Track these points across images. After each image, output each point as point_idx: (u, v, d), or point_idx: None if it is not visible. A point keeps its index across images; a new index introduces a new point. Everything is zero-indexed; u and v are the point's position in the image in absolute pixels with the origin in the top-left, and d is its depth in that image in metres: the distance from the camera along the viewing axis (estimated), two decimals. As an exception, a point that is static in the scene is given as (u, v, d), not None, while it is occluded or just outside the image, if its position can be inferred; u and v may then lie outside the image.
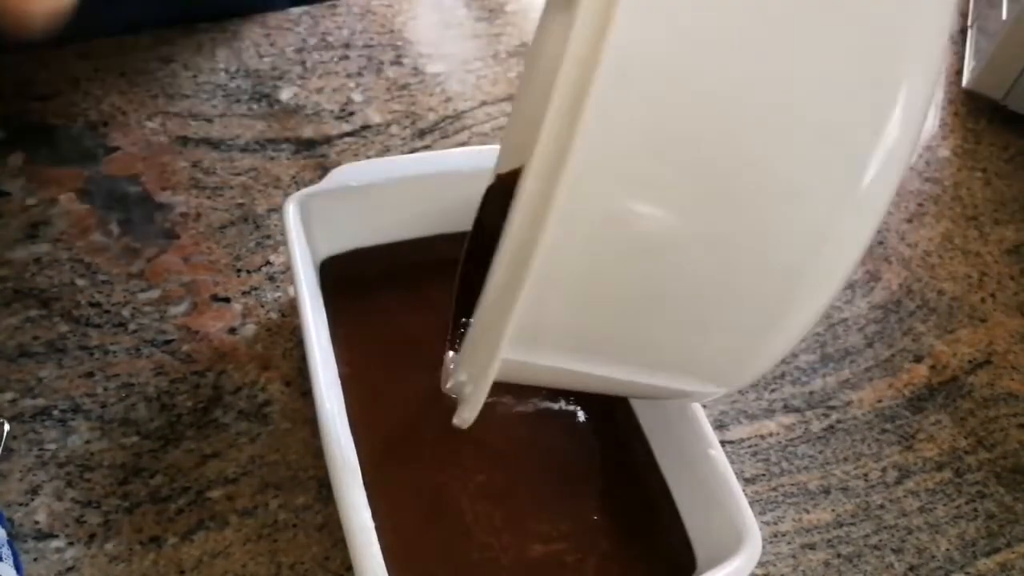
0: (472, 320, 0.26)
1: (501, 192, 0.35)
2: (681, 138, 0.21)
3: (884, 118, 0.21)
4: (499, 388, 0.26)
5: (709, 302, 0.23)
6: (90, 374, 0.41)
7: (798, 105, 0.21)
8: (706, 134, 0.21)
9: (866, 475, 0.43)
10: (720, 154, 0.21)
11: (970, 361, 0.49)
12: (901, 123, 0.21)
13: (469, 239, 0.35)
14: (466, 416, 0.26)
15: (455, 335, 0.34)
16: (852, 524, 0.41)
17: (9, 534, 0.34)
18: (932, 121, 0.64)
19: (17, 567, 0.33)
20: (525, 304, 0.22)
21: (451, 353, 0.33)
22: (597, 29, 0.19)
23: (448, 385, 0.29)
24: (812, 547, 0.40)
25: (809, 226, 0.22)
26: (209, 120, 0.53)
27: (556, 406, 0.40)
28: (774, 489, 0.42)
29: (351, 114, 0.55)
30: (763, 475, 0.42)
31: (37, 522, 0.36)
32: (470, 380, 0.25)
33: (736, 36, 0.21)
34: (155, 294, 0.44)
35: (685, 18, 0.20)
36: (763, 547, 0.33)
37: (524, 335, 0.23)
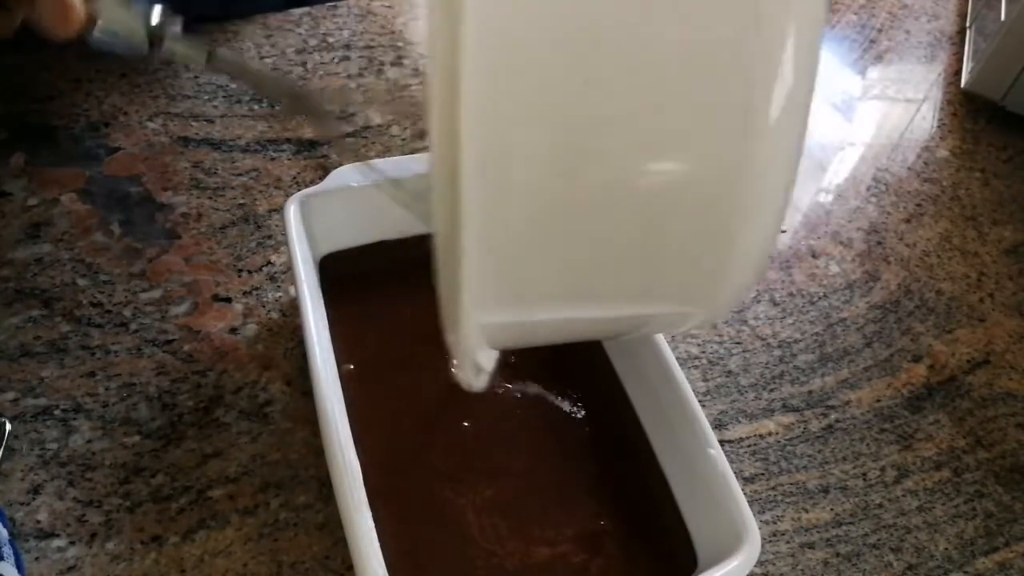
0: (439, 284, 0.26)
1: None
2: (579, 71, 0.22)
3: (766, 47, 0.22)
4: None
5: (655, 226, 0.24)
6: (91, 374, 0.41)
7: (686, 42, 0.22)
8: (597, 68, 0.22)
9: (865, 474, 0.43)
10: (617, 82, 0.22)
11: (969, 361, 0.49)
12: (791, 50, 0.22)
13: None
14: (462, 376, 0.27)
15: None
16: (851, 523, 0.41)
17: (11, 533, 0.34)
18: (931, 121, 0.65)
19: (19, 566, 0.33)
20: (472, 259, 0.23)
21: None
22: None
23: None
24: (811, 546, 0.40)
25: (720, 157, 0.23)
26: (210, 121, 0.53)
27: (557, 406, 0.40)
28: (773, 488, 0.42)
29: (351, 115, 0.55)
30: (762, 474, 0.42)
31: (39, 521, 0.36)
32: (457, 340, 0.25)
33: None
34: (156, 294, 0.44)
35: None
36: (762, 546, 0.33)
37: (486, 292, 0.24)
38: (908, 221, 0.57)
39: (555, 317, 0.27)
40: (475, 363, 0.27)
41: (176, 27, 0.33)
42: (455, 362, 0.25)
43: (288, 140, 0.53)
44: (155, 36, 0.33)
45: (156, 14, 0.33)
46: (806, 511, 0.41)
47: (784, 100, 0.22)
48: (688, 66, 0.22)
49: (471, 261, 0.23)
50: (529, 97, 0.22)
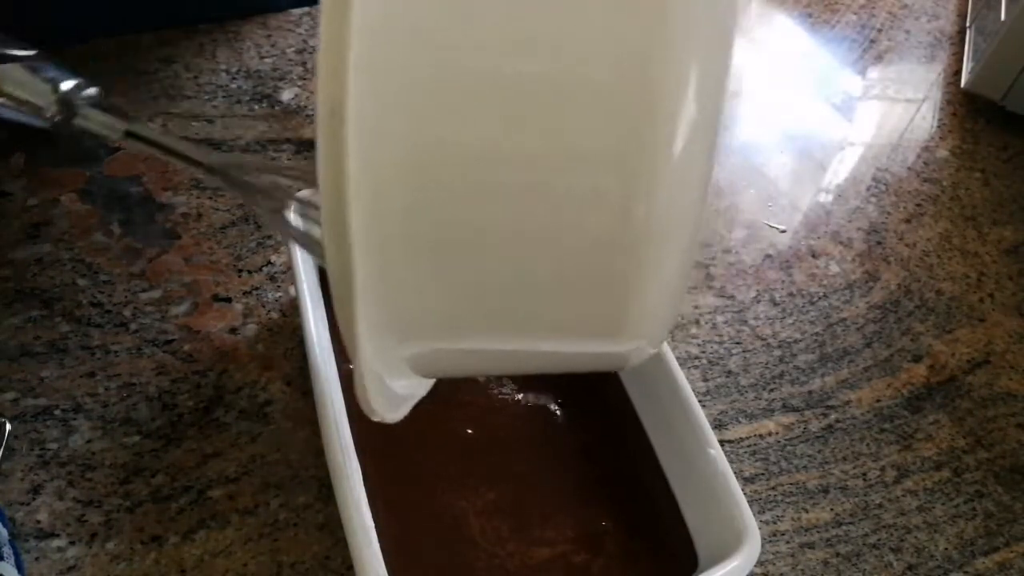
0: (336, 310, 0.26)
1: None
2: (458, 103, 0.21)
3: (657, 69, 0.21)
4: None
5: (550, 254, 0.23)
6: (91, 374, 0.41)
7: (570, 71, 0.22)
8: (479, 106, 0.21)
9: (865, 474, 0.43)
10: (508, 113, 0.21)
11: (968, 361, 0.49)
12: (695, 83, 0.21)
13: None
14: (364, 408, 0.26)
15: None
16: (851, 523, 0.41)
17: (11, 533, 0.34)
18: (931, 121, 0.65)
19: (19, 566, 0.33)
20: (364, 291, 0.22)
21: None
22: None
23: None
24: (811, 546, 0.40)
25: (612, 192, 0.22)
26: (210, 121, 0.53)
27: (557, 406, 0.40)
28: (773, 488, 0.42)
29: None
30: (762, 474, 0.42)
31: (39, 521, 0.36)
32: (356, 369, 0.25)
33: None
34: (156, 294, 0.44)
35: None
36: (762, 546, 0.33)
37: (378, 323, 0.23)
38: (908, 221, 0.57)
39: (463, 348, 0.26)
40: (388, 393, 0.27)
41: (90, 97, 0.32)
42: (357, 390, 0.25)
43: (288, 140, 0.53)
44: (65, 106, 0.31)
45: (66, 84, 0.31)
46: (806, 511, 0.41)
47: (685, 134, 0.21)
48: (589, 95, 0.21)
49: (362, 301, 0.22)
50: (422, 109, 0.21)
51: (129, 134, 0.32)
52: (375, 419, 0.27)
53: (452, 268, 0.23)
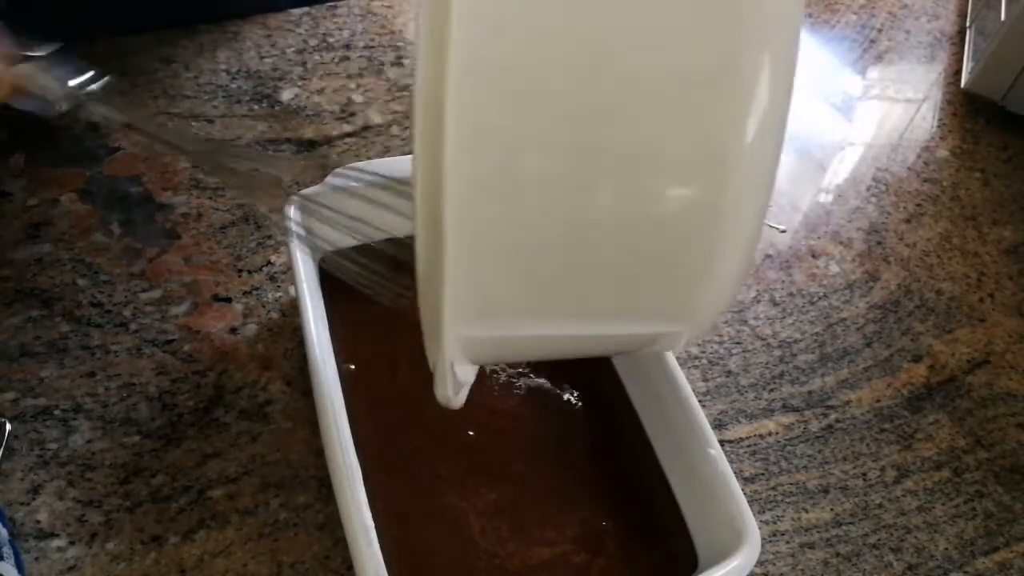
0: (420, 300, 0.26)
1: None
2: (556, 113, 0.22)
3: (745, 76, 0.23)
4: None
5: (631, 250, 0.24)
6: (91, 374, 0.41)
7: (665, 74, 0.23)
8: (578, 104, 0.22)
9: (865, 474, 0.43)
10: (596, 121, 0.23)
11: (969, 361, 0.49)
12: (767, 78, 0.23)
13: None
14: (440, 393, 0.27)
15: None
16: (851, 523, 0.41)
17: (11, 533, 0.34)
18: (931, 121, 0.65)
19: (19, 566, 0.33)
20: (453, 276, 0.23)
21: None
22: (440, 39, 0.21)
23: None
24: (811, 546, 0.40)
25: (697, 184, 0.23)
26: (210, 121, 0.53)
27: (558, 407, 0.40)
28: (773, 488, 0.42)
29: (352, 115, 0.55)
30: (762, 474, 0.42)
31: (38, 521, 0.36)
32: (435, 358, 0.26)
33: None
34: (156, 294, 0.44)
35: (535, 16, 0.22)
36: (762, 546, 0.33)
37: (466, 307, 0.24)
38: (908, 221, 0.57)
39: (536, 334, 0.27)
40: (455, 378, 0.27)
41: (99, 90, 0.35)
42: (435, 378, 0.26)
43: (288, 140, 0.53)
44: (75, 98, 0.35)
45: (74, 81, 0.35)
46: (806, 511, 0.41)
47: (759, 127, 0.23)
48: (669, 98, 0.23)
49: (451, 279, 0.23)
50: (512, 129, 0.22)
51: (126, 126, 0.37)
52: (447, 405, 0.27)
53: (542, 254, 0.24)
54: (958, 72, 0.68)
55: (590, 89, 0.22)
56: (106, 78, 0.35)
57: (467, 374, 0.29)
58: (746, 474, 0.42)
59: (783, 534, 0.40)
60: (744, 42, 0.22)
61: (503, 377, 0.40)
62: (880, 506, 0.42)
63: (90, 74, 0.35)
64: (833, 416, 0.45)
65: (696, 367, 0.46)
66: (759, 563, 0.35)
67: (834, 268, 0.53)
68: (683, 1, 0.22)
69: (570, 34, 0.22)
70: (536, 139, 0.22)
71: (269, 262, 0.47)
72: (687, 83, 0.22)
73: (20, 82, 0.34)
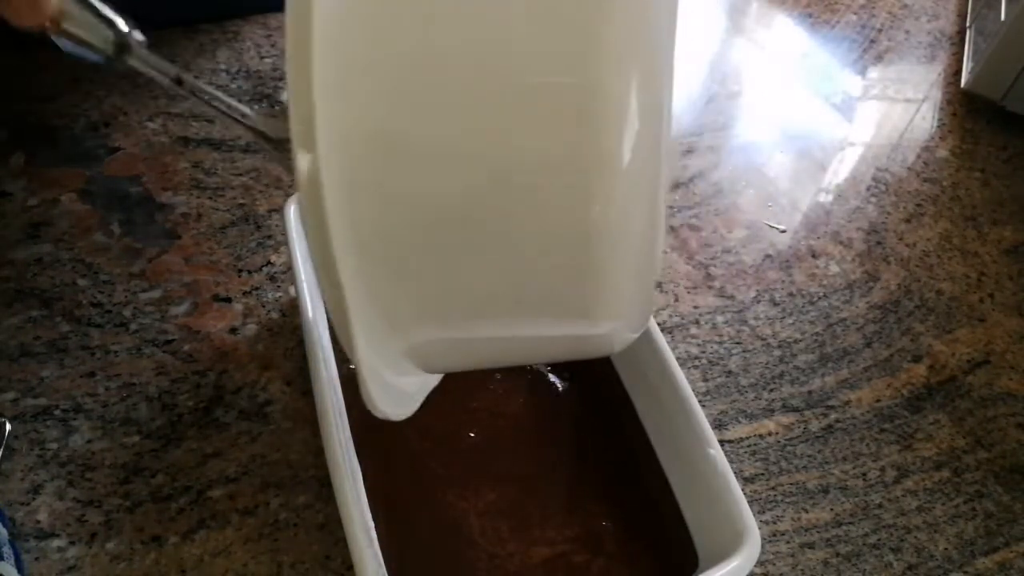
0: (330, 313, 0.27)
1: None
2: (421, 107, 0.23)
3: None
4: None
5: (510, 245, 0.24)
6: (91, 374, 0.41)
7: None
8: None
9: (865, 474, 0.43)
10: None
11: (968, 361, 0.49)
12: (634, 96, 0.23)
13: None
14: (369, 407, 0.26)
15: None
16: (851, 523, 0.41)
17: (11, 533, 0.34)
18: (931, 121, 0.65)
19: (19, 566, 0.33)
20: (352, 293, 0.23)
21: None
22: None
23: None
24: (811, 546, 0.40)
25: (566, 192, 0.24)
26: (210, 121, 0.53)
27: (558, 407, 0.40)
28: (773, 488, 0.42)
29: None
30: (762, 474, 0.42)
31: (39, 521, 0.36)
32: (358, 373, 0.26)
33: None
34: (156, 294, 0.44)
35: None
36: (762, 546, 0.33)
37: (377, 323, 0.24)
38: (908, 221, 0.57)
39: (454, 339, 0.27)
40: (392, 391, 0.27)
41: (143, 41, 0.34)
42: (360, 387, 0.26)
43: (288, 140, 0.53)
44: (122, 45, 0.33)
45: (124, 23, 0.33)
46: (806, 511, 0.41)
47: (631, 138, 0.23)
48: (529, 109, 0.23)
49: (352, 301, 0.23)
50: (389, 145, 0.23)
51: (179, 80, 0.34)
52: (379, 415, 0.27)
53: (428, 260, 0.24)
54: (958, 72, 0.68)
55: (459, 72, 0.23)
56: (143, 34, 0.34)
57: (415, 385, 0.30)
58: (746, 474, 0.42)
59: (783, 534, 0.40)
60: (603, 53, 0.22)
61: (501, 377, 0.40)
62: (880, 506, 0.42)
63: (131, 23, 0.34)
64: (833, 416, 0.45)
65: (696, 367, 0.46)
66: (759, 563, 0.35)
67: (834, 268, 0.53)
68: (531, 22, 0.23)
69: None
70: (410, 115, 0.23)
71: (269, 262, 0.47)
72: (553, 90, 0.23)
73: (65, 15, 0.31)
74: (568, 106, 0.23)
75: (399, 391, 0.28)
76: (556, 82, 0.23)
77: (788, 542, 0.40)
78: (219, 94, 0.35)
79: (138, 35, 0.34)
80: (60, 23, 0.31)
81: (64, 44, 0.32)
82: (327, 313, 0.38)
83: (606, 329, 0.27)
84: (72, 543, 0.36)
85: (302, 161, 0.23)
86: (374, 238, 0.23)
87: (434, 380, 0.32)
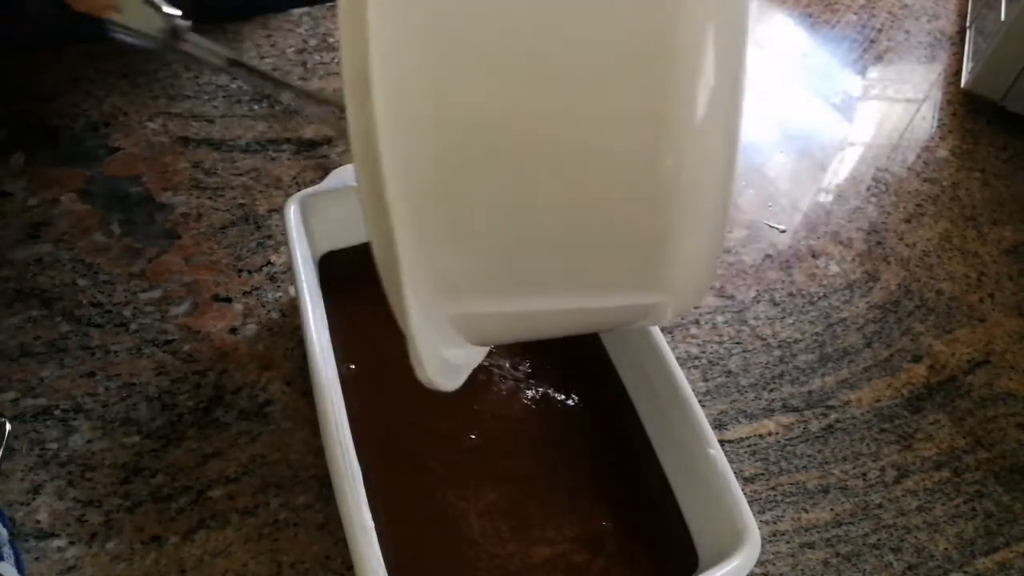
0: (384, 286, 0.26)
1: None
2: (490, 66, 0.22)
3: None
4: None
5: (584, 215, 0.24)
6: (91, 374, 0.41)
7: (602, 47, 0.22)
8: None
9: (865, 474, 0.43)
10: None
11: (968, 361, 0.49)
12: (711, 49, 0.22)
13: None
14: (420, 376, 0.26)
15: None
16: (851, 523, 0.41)
17: (11, 533, 0.34)
18: (931, 121, 0.65)
19: (19, 566, 0.33)
20: (406, 252, 0.23)
21: None
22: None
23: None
24: (811, 546, 0.40)
25: (639, 147, 0.23)
26: (210, 121, 0.53)
27: (558, 407, 0.40)
28: (773, 488, 0.42)
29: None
30: (762, 474, 0.42)
31: (39, 521, 0.36)
32: (408, 338, 0.25)
33: None
34: (156, 294, 0.44)
35: None
36: (762, 546, 0.33)
37: (424, 288, 0.24)
38: (908, 221, 0.57)
39: (507, 310, 0.26)
40: (440, 361, 0.27)
41: (189, 26, 0.34)
42: (412, 361, 0.25)
43: (288, 140, 0.53)
44: (174, 32, 0.34)
45: (172, 11, 0.33)
46: (806, 511, 0.41)
47: (707, 94, 0.22)
48: (605, 67, 0.22)
49: (404, 258, 0.23)
50: (446, 100, 0.22)
51: (232, 62, 0.34)
52: (432, 387, 0.26)
53: (490, 224, 0.24)
54: (958, 72, 0.68)
55: (526, 47, 0.22)
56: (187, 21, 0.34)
57: (460, 357, 0.29)
58: (746, 474, 0.42)
59: (783, 534, 0.40)
60: (682, 13, 0.22)
61: (502, 376, 0.40)
62: (880, 506, 0.42)
63: (179, 12, 0.34)
64: (833, 416, 0.45)
65: (696, 367, 0.46)
66: (759, 563, 0.35)
67: (834, 268, 0.53)
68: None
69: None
70: (470, 95, 0.22)
71: (269, 262, 0.47)
72: (629, 47, 0.22)
73: (119, 2, 0.32)
74: (642, 55, 0.22)
75: (448, 362, 0.28)
76: (631, 24, 0.22)
77: (788, 542, 0.40)
78: (272, 74, 0.36)
79: (186, 22, 0.34)
80: (117, 8, 0.32)
81: (114, 31, 0.33)
82: (328, 312, 0.38)
83: (665, 299, 0.26)
84: (72, 543, 0.36)
85: (352, 103, 0.22)
86: (432, 194, 0.23)
87: (479, 355, 0.31)
